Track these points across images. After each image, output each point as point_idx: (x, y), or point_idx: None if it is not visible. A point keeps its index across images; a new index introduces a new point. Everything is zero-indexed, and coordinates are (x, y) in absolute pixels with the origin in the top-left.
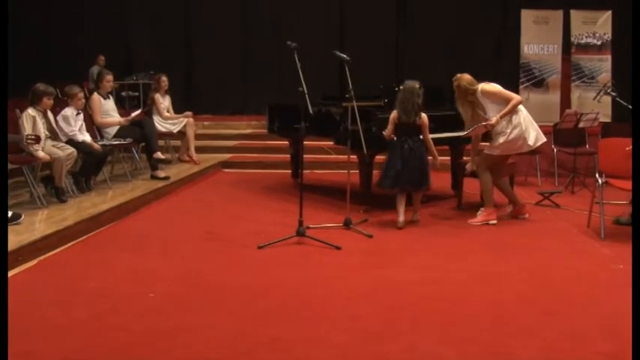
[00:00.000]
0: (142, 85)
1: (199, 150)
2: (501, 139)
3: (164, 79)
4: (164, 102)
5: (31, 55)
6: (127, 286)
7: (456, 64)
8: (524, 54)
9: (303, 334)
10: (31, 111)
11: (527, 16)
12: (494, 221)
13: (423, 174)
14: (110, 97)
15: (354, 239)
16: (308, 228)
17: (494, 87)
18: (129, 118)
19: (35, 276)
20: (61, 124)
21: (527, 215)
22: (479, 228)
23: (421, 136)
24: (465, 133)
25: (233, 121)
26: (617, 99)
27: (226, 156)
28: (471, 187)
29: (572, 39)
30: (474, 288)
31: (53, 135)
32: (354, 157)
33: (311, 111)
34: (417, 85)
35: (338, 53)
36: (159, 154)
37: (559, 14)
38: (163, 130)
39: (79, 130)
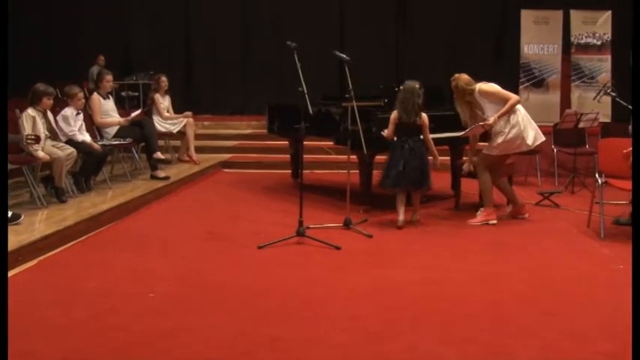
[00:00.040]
0: (142, 85)
1: (199, 150)
2: (500, 139)
3: (164, 79)
4: (164, 102)
5: (31, 55)
6: (127, 286)
7: (455, 65)
8: (524, 54)
9: (303, 334)
10: (30, 111)
11: (527, 16)
12: (494, 221)
13: (423, 174)
14: (110, 97)
15: (353, 239)
16: (308, 228)
17: (492, 87)
18: (129, 118)
19: (35, 276)
20: (61, 124)
21: (526, 215)
22: (479, 228)
23: (421, 136)
24: (463, 133)
25: (233, 121)
26: (617, 99)
27: (226, 156)
28: (469, 188)
29: (572, 39)
30: (473, 288)
31: (53, 135)
32: (354, 157)
33: (311, 111)
34: (417, 85)
35: (338, 53)
36: (159, 154)
37: (559, 14)
38: (163, 130)
39: (79, 130)
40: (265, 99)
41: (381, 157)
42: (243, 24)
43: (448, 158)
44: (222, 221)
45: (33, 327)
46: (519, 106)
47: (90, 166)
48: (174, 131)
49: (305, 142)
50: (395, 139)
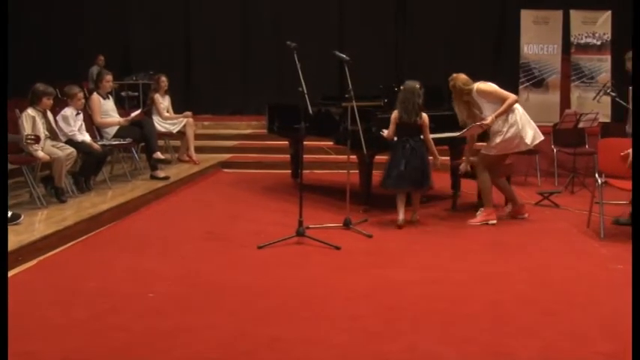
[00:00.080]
0: (142, 85)
1: (199, 150)
2: (498, 139)
3: (164, 79)
4: (164, 102)
5: (31, 55)
6: (127, 286)
7: (455, 65)
8: (524, 54)
9: (303, 334)
10: (30, 111)
11: (526, 16)
12: (494, 221)
13: (424, 174)
14: (110, 97)
15: (353, 239)
16: (308, 228)
17: (489, 86)
18: (128, 118)
19: (35, 276)
20: (61, 124)
21: (526, 215)
22: (478, 228)
23: (422, 136)
24: (460, 133)
25: (233, 121)
26: (617, 99)
27: (226, 156)
28: (468, 188)
29: (572, 39)
30: (473, 288)
31: (53, 135)
32: (353, 157)
33: (311, 111)
34: (417, 85)
35: (338, 53)
36: (158, 154)
37: (559, 14)
38: (163, 130)
39: (79, 130)
40: (265, 99)
41: (380, 157)
42: (243, 24)
43: (448, 158)
44: (221, 221)
45: (33, 327)
46: (517, 106)
47: (90, 166)
48: (174, 131)
49: (305, 142)
50: (395, 139)
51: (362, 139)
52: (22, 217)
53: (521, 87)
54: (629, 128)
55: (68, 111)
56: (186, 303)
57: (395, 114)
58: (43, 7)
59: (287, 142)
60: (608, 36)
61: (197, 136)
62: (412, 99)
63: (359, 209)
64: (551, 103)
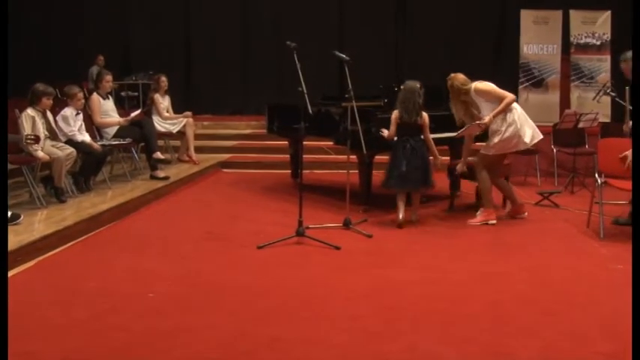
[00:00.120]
0: (142, 85)
1: (199, 150)
2: (496, 139)
3: (163, 79)
4: (163, 102)
5: (31, 55)
6: (127, 286)
7: (455, 65)
8: (524, 54)
9: (303, 334)
10: (30, 111)
11: (526, 16)
12: (494, 221)
13: (426, 173)
14: (109, 97)
15: (353, 239)
16: (307, 228)
17: (487, 85)
18: (128, 118)
19: (35, 276)
20: (61, 124)
21: (525, 214)
22: (478, 228)
23: (422, 136)
24: (458, 132)
25: (232, 121)
26: (617, 99)
27: (226, 156)
28: (466, 188)
29: (572, 39)
30: (473, 288)
31: (52, 135)
32: (353, 157)
33: (310, 111)
34: (417, 84)
35: (338, 53)
36: (158, 154)
37: (558, 14)
38: (163, 130)
39: (79, 130)
40: (265, 99)
41: (380, 157)
42: (243, 24)
43: (449, 158)
44: (221, 221)
45: (33, 327)
46: (515, 105)
47: (89, 166)
48: (174, 131)
49: (305, 142)
50: (396, 138)
51: (362, 139)
52: (22, 217)
53: (520, 87)
54: (626, 128)
55: (68, 111)
56: (186, 303)
57: (395, 114)
58: (43, 7)
59: (287, 142)
60: (607, 36)
61: (197, 136)
62: (413, 98)
63: (359, 209)
64: (551, 103)
